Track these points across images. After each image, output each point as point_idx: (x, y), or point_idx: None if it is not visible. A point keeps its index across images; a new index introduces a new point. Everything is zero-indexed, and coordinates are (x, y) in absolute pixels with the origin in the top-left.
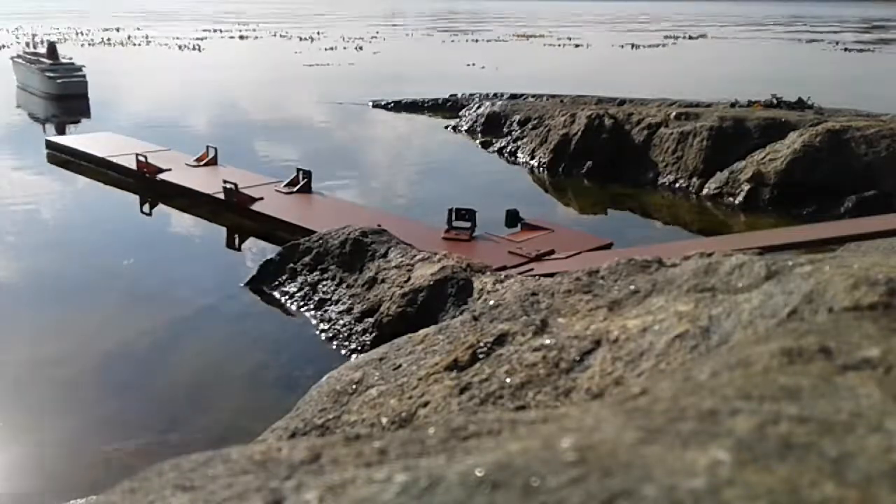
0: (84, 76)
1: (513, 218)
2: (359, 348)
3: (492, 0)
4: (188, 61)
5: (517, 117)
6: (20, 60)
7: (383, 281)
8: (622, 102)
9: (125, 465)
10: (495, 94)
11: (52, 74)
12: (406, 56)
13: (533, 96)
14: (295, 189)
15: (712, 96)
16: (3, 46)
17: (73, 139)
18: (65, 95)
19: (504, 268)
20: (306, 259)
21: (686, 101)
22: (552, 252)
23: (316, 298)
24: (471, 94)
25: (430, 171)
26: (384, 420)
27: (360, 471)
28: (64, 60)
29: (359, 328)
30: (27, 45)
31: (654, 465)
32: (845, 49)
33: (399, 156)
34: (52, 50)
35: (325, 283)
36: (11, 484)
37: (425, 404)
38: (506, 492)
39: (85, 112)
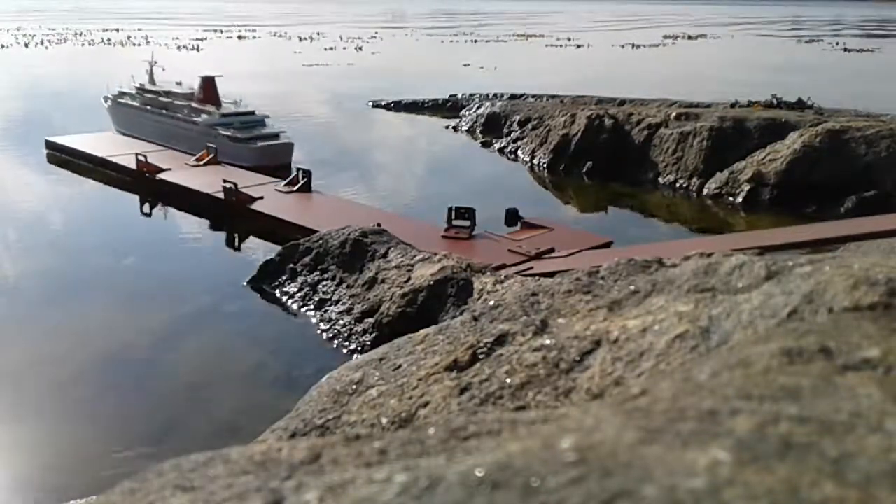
0: (281, 134)
1: (513, 216)
2: (359, 348)
3: (492, 0)
4: (187, 61)
5: (517, 117)
6: (133, 102)
7: (383, 281)
8: (622, 102)
9: (125, 465)
10: (495, 95)
11: (236, 135)
12: (406, 56)
13: (533, 96)
14: (295, 188)
15: (712, 96)
16: (3, 46)
17: (73, 139)
18: (260, 167)
19: (504, 266)
20: (306, 259)
21: (686, 101)
22: (552, 250)
23: (316, 298)
24: (471, 95)
25: (430, 171)
26: (384, 420)
27: (360, 471)
28: (237, 107)
29: (359, 328)
30: (141, 77)
31: (654, 465)
32: (845, 49)
33: (399, 155)
34: (212, 91)
35: (325, 283)
36: (11, 483)
37: (425, 404)
38: (506, 492)
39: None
